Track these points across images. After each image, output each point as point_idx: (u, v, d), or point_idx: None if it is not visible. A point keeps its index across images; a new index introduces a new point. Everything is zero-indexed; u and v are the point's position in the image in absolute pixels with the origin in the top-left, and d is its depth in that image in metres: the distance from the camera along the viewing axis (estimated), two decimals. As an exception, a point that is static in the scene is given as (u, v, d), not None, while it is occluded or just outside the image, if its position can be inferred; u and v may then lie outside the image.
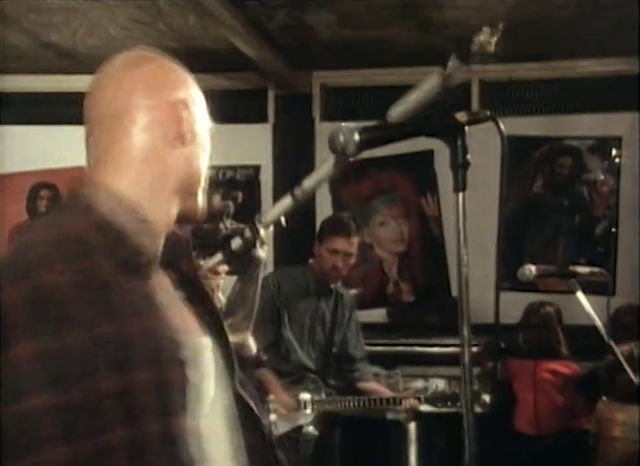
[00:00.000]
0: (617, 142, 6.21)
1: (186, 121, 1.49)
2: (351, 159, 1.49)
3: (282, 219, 2.80)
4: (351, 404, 4.23)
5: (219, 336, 1.54)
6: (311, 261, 4.46)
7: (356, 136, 1.48)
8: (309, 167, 4.12)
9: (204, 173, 1.54)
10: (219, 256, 2.98)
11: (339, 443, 4.51)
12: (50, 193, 6.54)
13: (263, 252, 2.88)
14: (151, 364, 1.33)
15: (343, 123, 1.49)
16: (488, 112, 1.46)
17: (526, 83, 6.49)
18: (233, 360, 1.54)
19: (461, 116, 1.44)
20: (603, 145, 6.26)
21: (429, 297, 6.37)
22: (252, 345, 3.64)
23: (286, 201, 2.65)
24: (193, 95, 1.54)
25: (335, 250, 4.28)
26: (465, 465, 1.34)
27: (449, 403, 4.37)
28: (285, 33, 5.51)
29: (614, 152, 6.23)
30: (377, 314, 6.31)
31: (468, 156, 1.44)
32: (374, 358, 4.96)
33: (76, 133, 6.33)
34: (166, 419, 1.33)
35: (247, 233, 2.77)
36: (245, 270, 3.34)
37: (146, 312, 1.37)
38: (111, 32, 5.57)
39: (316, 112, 6.42)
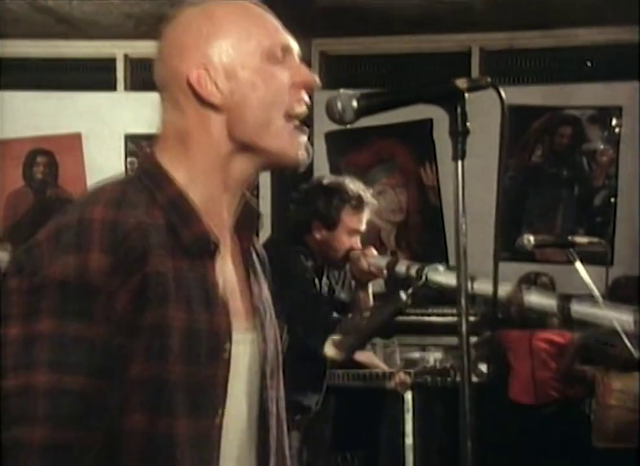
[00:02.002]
0: (617, 111, 6.18)
1: (205, 82, 1.38)
2: (349, 126, 1.46)
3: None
4: (342, 377, 4.24)
5: (265, 331, 1.48)
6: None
7: (354, 103, 1.45)
8: (307, 138, 4.05)
9: (268, 113, 1.39)
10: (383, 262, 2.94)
11: (333, 413, 4.52)
12: (47, 160, 6.51)
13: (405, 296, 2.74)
14: (182, 358, 1.31)
15: (341, 90, 1.46)
16: (489, 79, 1.44)
17: (526, 51, 6.46)
18: (267, 359, 1.47)
19: (461, 83, 1.42)
20: (603, 115, 6.23)
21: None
22: None
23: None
24: (226, 44, 1.40)
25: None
26: (462, 434, 1.34)
27: (439, 378, 4.37)
28: (283, 0, 5.45)
29: (614, 122, 6.20)
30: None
31: (468, 124, 1.41)
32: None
33: (73, 99, 6.29)
34: (184, 418, 1.31)
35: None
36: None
37: (190, 305, 1.33)
38: (109, -2, 5.53)
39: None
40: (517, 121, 5.95)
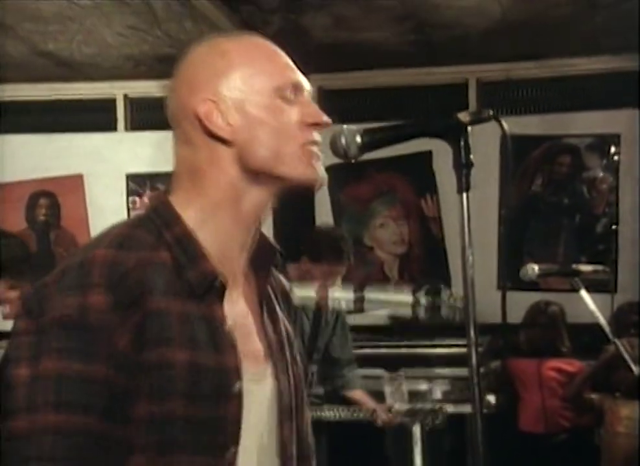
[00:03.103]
0: (616, 139, 6.20)
1: (213, 116, 1.39)
2: (353, 161, 1.48)
3: None
4: (330, 413, 4.27)
5: (281, 367, 1.48)
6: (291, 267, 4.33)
7: (358, 138, 1.47)
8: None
9: (278, 148, 1.39)
10: None
11: (326, 448, 4.50)
12: (49, 202, 6.53)
13: None
14: (187, 397, 1.31)
15: (345, 125, 1.48)
16: (491, 112, 1.46)
17: (523, 82, 6.49)
18: (283, 396, 1.47)
19: (464, 116, 1.44)
20: (602, 143, 6.25)
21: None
22: None
23: None
24: (237, 80, 1.41)
25: (331, 273, 4.29)
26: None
27: (429, 420, 4.37)
28: (281, 37, 5.49)
29: (613, 149, 6.22)
30: (380, 316, 6.30)
31: (471, 157, 1.43)
32: (377, 361, 4.95)
33: (74, 140, 6.32)
34: (193, 456, 1.31)
35: None
36: None
37: (195, 344, 1.33)
38: (107, 39, 5.57)
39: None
40: (516, 151, 5.93)
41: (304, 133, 1.41)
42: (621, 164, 6.18)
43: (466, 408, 4.60)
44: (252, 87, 1.40)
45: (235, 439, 1.34)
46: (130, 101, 6.71)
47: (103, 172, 6.39)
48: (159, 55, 5.65)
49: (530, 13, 5.33)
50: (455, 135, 1.44)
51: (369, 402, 4.50)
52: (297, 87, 1.44)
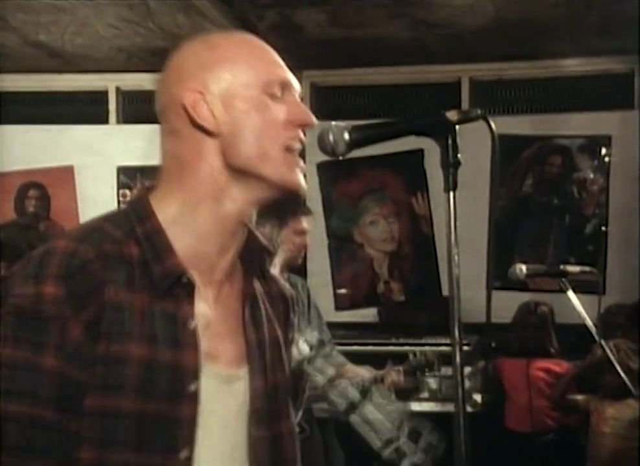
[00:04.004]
0: (607, 140, 6.21)
1: (199, 106, 1.39)
2: (340, 158, 1.47)
3: None
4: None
5: (259, 370, 1.46)
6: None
7: (346, 135, 1.46)
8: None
9: (263, 144, 1.39)
10: None
11: (323, 441, 4.48)
12: (39, 193, 6.50)
13: None
14: (140, 393, 1.30)
15: (333, 122, 1.47)
16: (479, 111, 1.45)
17: (515, 82, 6.49)
18: (260, 402, 1.45)
19: (452, 115, 1.43)
20: (593, 144, 6.26)
21: (420, 296, 6.37)
22: None
23: None
24: (225, 73, 1.41)
25: (302, 231, 4.27)
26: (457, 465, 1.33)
27: (427, 371, 4.30)
28: (275, 32, 5.50)
29: (604, 151, 6.23)
30: (368, 314, 6.30)
31: (459, 156, 1.43)
32: (365, 358, 4.94)
33: (65, 132, 6.29)
34: (141, 454, 1.30)
35: None
36: None
37: (153, 340, 1.32)
38: (100, 31, 5.55)
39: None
40: (507, 150, 5.98)
41: (288, 132, 1.41)
42: (612, 166, 6.20)
43: (452, 407, 4.59)
44: (240, 81, 1.40)
45: (189, 440, 1.33)
46: (122, 94, 6.70)
47: (94, 164, 6.37)
48: (151, 48, 5.63)
49: (523, 13, 5.33)
50: (443, 134, 1.43)
51: (361, 371, 4.41)
52: (285, 85, 1.43)
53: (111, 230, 1.36)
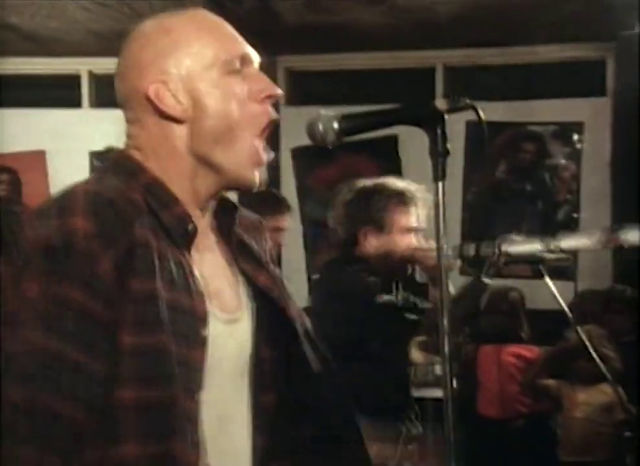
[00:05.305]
0: (579, 127, 6.25)
1: (164, 96, 1.40)
2: (330, 147, 1.47)
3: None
4: None
5: (260, 317, 1.48)
6: None
7: (335, 125, 1.46)
8: (274, 152, 4.09)
9: (231, 124, 1.40)
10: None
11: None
12: (10, 178, 6.44)
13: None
14: (169, 332, 1.30)
15: (322, 111, 1.47)
16: (468, 101, 1.46)
17: (489, 68, 6.52)
18: (263, 346, 1.48)
19: (441, 104, 1.44)
20: (565, 131, 6.30)
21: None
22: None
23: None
24: (184, 57, 1.41)
25: (278, 228, 4.07)
26: (447, 453, 1.34)
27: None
28: (251, 17, 5.47)
29: (576, 137, 6.27)
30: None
31: (448, 145, 1.43)
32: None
33: (37, 116, 6.21)
34: (170, 391, 1.30)
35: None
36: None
37: (174, 285, 1.33)
38: (73, 15, 5.50)
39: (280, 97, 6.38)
40: (481, 137, 6.00)
41: (255, 107, 1.42)
42: (584, 152, 6.24)
43: (427, 393, 4.62)
44: (200, 63, 1.41)
45: (201, 383, 1.35)
46: (95, 78, 6.63)
47: (67, 149, 6.32)
48: (125, 31, 5.56)
49: (498, 1, 5.35)
50: (432, 123, 1.44)
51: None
52: (244, 59, 1.44)
53: (112, 180, 1.37)
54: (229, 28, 1.46)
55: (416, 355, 3.03)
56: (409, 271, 3.26)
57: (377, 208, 3.18)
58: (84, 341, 1.25)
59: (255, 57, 1.46)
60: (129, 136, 1.45)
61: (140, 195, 1.36)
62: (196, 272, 1.38)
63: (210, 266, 1.44)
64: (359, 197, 3.22)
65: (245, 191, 1.45)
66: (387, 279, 3.20)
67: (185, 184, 1.41)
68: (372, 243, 3.19)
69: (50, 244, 1.25)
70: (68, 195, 1.30)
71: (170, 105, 1.39)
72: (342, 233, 3.29)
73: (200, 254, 1.42)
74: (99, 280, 1.25)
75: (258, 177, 1.44)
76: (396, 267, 3.21)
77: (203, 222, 1.45)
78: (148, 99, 1.40)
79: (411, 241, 3.18)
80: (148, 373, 1.28)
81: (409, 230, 3.20)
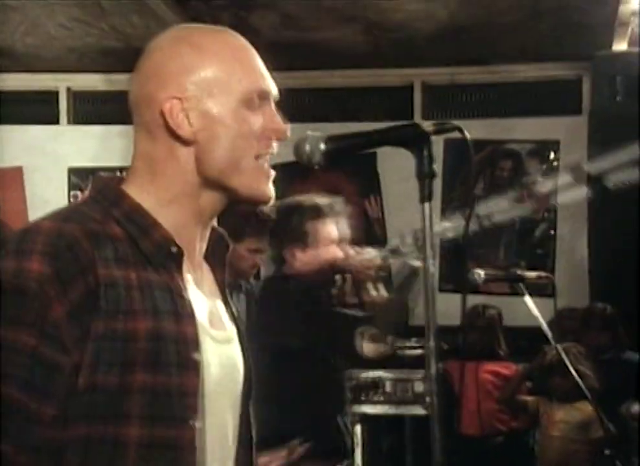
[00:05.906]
0: (555, 145, 6.30)
1: (177, 115, 1.37)
2: (317, 167, 1.48)
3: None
4: None
5: (244, 339, 1.51)
6: None
7: (322, 145, 1.46)
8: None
9: (236, 155, 1.39)
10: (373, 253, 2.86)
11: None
12: (-12, 194, 6.39)
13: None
14: (149, 366, 1.29)
15: (309, 132, 1.47)
16: (454, 123, 1.47)
17: (467, 86, 6.56)
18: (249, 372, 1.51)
19: (428, 126, 1.44)
20: (542, 149, 6.35)
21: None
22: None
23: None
24: (207, 78, 1.38)
25: (257, 250, 3.99)
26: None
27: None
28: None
29: (552, 155, 6.32)
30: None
31: (434, 166, 1.43)
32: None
33: (14, 132, 6.17)
34: (154, 424, 1.29)
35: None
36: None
37: (157, 312, 1.31)
38: (51, 31, 5.49)
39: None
40: (459, 155, 6.03)
41: (261, 142, 1.41)
42: (560, 170, 6.28)
43: (406, 410, 4.62)
44: (222, 89, 1.38)
45: (196, 409, 1.33)
46: (73, 94, 6.61)
47: (45, 165, 6.30)
48: (103, 48, 5.57)
49: (476, 19, 5.39)
50: (419, 144, 1.43)
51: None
52: (264, 94, 1.43)
53: (89, 212, 1.35)
54: (258, 59, 1.45)
55: (367, 347, 3.05)
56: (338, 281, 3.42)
57: (296, 224, 3.28)
58: (34, 385, 1.23)
59: (274, 92, 1.46)
60: (136, 148, 1.42)
61: (118, 226, 1.34)
62: (188, 294, 1.37)
63: (208, 284, 1.46)
64: (279, 218, 3.30)
65: (258, 206, 1.46)
66: (319, 289, 3.33)
67: (189, 202, 1.40)
68: (301, 259, 3.28)
69: (4, 288, 1.24)
70: (30, 232, 1.28)
71: (180, 124, 1.37)
72: (271, 254, 3.40)
73: (194, 279, 1.42)
74: (53, 325, 1.23)
75: (271, 189, 1.43)
76: (327, 279, 3.35)
77: (198, 250, 1.44)
78: (162, 113, 1.37)
79: (336, 251, 3.27)
80: (117, 411, 1.27)
81: (332, 241, 3.29)
